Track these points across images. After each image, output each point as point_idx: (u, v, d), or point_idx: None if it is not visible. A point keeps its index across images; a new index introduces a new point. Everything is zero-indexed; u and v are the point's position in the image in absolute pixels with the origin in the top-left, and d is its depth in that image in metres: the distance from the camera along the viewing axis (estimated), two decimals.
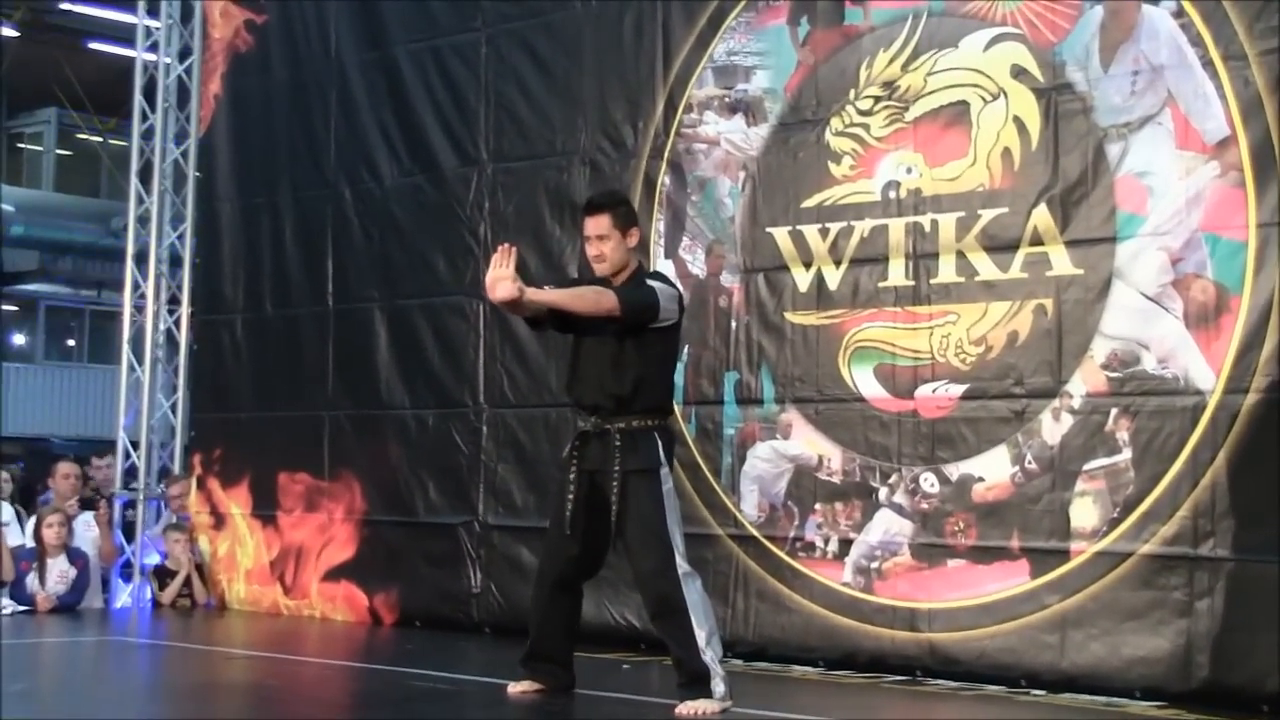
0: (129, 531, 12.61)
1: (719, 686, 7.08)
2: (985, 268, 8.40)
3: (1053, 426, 8.14)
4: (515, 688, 7.55)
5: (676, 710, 7.01)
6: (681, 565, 7.13)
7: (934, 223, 8.58)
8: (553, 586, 7.52)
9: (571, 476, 7.36)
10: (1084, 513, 8.01)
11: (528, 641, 7.60)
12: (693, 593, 7.13)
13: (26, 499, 14.06)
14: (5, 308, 33.06)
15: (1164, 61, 7.89)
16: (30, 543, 11.37)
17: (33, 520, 11.57)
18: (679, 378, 9.32)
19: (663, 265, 9.56)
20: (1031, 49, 8.31)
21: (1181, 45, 7.84)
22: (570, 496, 7.34)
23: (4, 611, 10.92)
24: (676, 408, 9.28)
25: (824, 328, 8.95)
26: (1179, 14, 7.86)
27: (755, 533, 9.12)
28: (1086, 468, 8.02)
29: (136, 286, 12.80)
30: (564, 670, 7.59)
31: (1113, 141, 8.03)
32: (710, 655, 7.10)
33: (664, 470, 7.24)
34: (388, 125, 11.18)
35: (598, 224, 7.38)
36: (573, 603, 7.60)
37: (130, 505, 12.69)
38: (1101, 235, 8.05)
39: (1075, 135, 8.15)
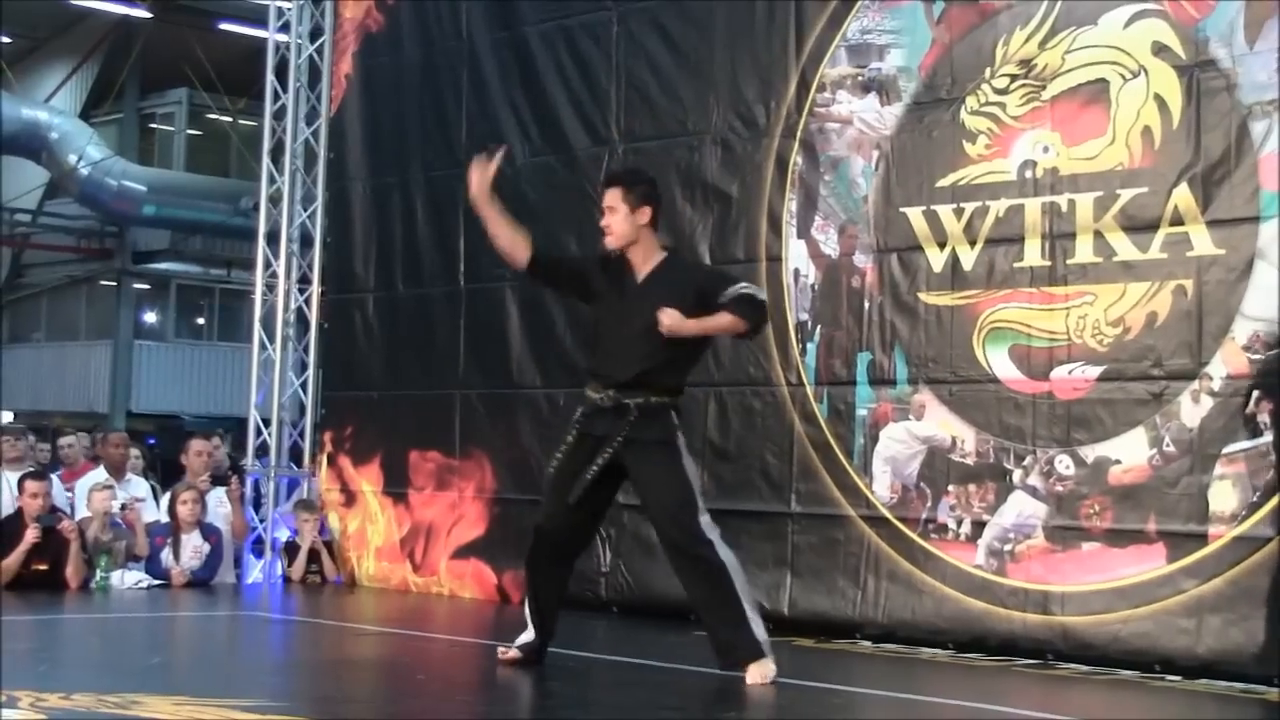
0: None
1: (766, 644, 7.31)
2: (1124, 248, 8.27)
3: (1192, 409, 8.00)
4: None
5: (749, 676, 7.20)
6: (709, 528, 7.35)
7: (1071, 202, 8.47)
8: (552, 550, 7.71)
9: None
10: (1223, 496, 7.87)
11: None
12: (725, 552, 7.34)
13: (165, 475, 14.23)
14: (137, 286, 33.50)
15: None
16: (165, 518, 11.52)
17: (167, 496, 11.72)
18: (810, 359, 9.35)
19: (795, 245, 9.56)
20: (1173, 25, 8.16)
21: None
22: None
23: (140, 585, 11.07)
24: (809, 388, 9.34)
25: (958, 308, 8.87)
26: None
27: (887, 514, 9.05)
28: (1226, 451, 7.87)
29: (268, 265, 12.89)
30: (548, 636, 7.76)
31: (1257, 119, 7.86)
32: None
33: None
34: (519, 105, 11.20)
35: (609, 196, 7.58)
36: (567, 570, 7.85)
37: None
38: (1244, 215, 7.90)
39: (1218, 113, 7.99)
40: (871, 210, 9.29)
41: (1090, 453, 8.34)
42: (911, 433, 9.05)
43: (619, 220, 7.51)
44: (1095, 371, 8.35)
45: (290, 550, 12.06)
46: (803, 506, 9.41)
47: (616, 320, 7.52)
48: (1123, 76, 8.32)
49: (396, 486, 11.84)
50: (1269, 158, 7.83)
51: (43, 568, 10.67)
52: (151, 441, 22.39)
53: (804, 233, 9.56)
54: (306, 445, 12.83)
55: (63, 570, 10.69)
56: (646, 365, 7.37)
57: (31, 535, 10.59)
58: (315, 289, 12.83)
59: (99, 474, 11.97)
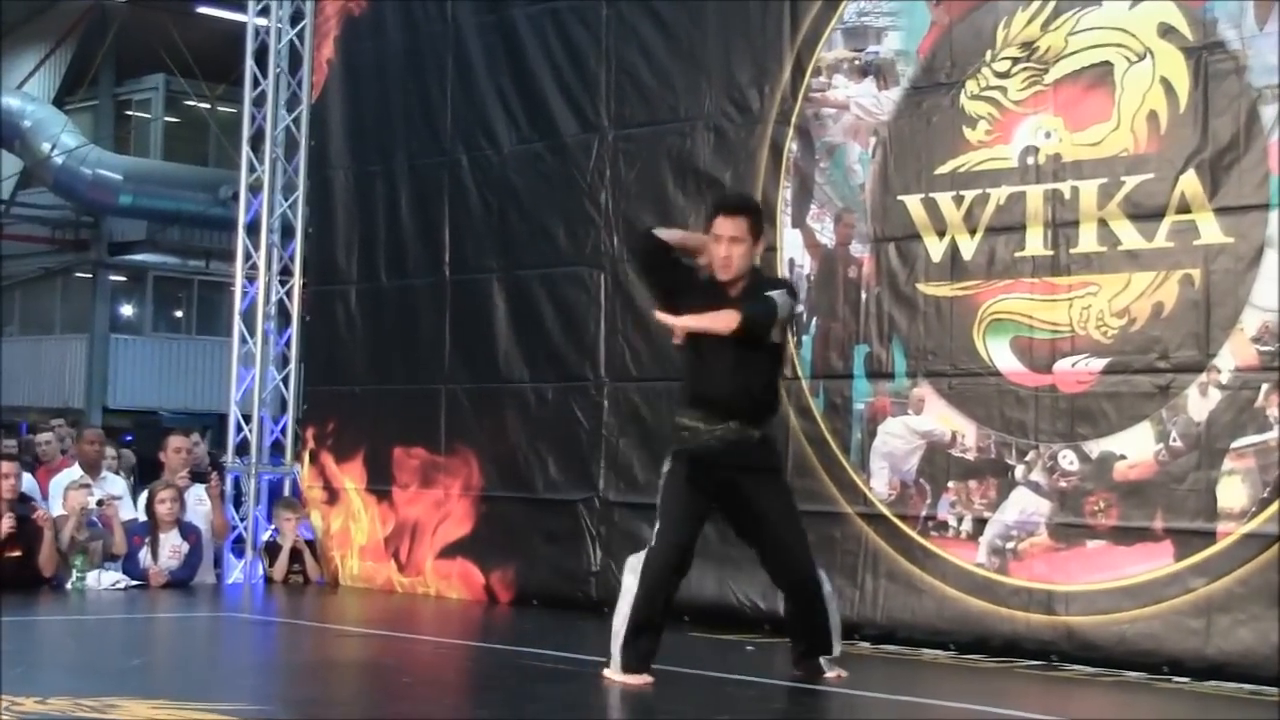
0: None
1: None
2: (1129, 236, 8.15)
3: (1199, 402, 7.89)
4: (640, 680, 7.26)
5: None
6: None
7: (1074, 190, 8.35)
8: (675, 572, 7.30)
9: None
10: (1232, 492, 7.77)
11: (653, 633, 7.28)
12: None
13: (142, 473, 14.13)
14: (113, 278, 33.33)
15: None
16: (143, 517, 11.37)
17: (145, 494, 11.56)
18: (806, 351, 9.22)
19: (790, 235, 9.45)
20: (1181, 6, 8.05)
21: None
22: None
23: (117, 586, 10.91)
24: (804, 381, 9.27)
25: (958, 299, 8.75)
26: None
27: (886, 511, 8.96)
28: (1235, 445, 7.77)
29: (248, 256, 12.73)
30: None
31: (1267, 103, 7.75)
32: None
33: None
34: (506, 91, 11.07)
35: (736, 225, 7.14)
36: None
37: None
38: (1254, 202, 7.79)
39: (1227, 97, 7.87)
40: (868, 198, 9.18)
41: (1095, 448, 8.24)
42: (910, 427, 8.93)
43: (742, 253, 7.12)
44: (1099, 364, 8.25)
45: (272, 550, 11.94)
46: (799, 504, 9.21)
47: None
48: (1128, 59, 8.21)
49: (380, 484, 11.73)
50: None
51: (16, 554, 10.58)
52: (128, 439, 22.19)
53: (799, 221, 9.46)
54: (288, 441, 12.68)
55: (36, 559, 10.60)
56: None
57: (6, 524, 10.51)
58: (297, 281, 12.69)
59: (74, 471, 11.82)
